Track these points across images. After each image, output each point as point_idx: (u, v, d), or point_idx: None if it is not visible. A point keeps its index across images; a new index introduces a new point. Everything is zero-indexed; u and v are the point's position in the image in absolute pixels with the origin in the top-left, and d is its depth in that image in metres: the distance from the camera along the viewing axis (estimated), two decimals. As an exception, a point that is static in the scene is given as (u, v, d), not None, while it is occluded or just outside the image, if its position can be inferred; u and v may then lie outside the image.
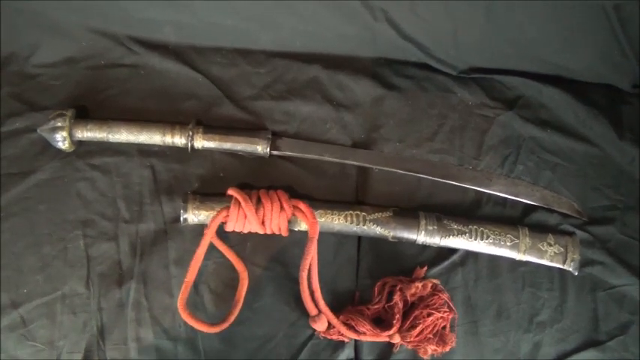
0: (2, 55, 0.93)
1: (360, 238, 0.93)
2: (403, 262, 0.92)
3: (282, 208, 0.87)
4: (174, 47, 0.98)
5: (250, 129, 0.94)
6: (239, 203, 0.85)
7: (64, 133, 0.87)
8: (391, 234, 0.92)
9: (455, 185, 0.95)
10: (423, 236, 0.93)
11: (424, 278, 0.91)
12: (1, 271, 0.84)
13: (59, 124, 0.86)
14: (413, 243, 0.91)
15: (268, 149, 0.92)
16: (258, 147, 0.92)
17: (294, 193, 0.91)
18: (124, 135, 0.89)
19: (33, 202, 0.87)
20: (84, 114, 0.91)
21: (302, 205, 0.87)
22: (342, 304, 0.89)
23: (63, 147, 0.87)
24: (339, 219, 0.90)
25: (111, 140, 0.89)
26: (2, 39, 0.92)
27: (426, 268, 0.93)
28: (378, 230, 0.92)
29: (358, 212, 0.90)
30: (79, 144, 0.90)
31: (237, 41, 0.99)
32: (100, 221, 0.88)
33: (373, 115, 0.99)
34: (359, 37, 0.98)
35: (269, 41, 0.99)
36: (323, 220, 0.89)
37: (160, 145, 0.91)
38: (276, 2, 0.94)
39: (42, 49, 0.94)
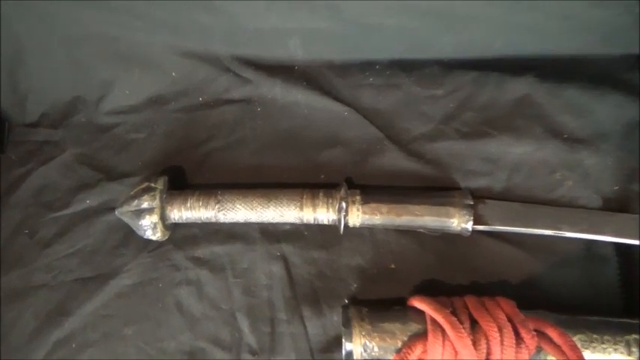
0: (65, 102, 0.76)
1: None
2: None
3: (518, 337, 0.54)
4: (303, 68, 0.75)
5: (434, 189, 0.67)
6: (441, 330, 0.55)
7: (154, 217, 0.64)
8: None
9: None
10: None
11: None
12: None
13: (146, 203, 0.64)
14: None
15: (470, 223, 0.63)
16: (452, 221, 0.63)
17: (515, 293, 0.60)
18: (240, 212, 0.65)
19: (115, 322, 0.66)
20: (179, 179, 0.72)
21: (554, 333, 0.54)
22: None
23: (153, 237, 0.66)
24: (614, 350, 0.55)
25: (222, 221, 0.66)
26: (65, 80, 0.75)
27: None
28: (690, 369, 0.54)
29: (649, 337, 0.56)
30: (175, 226, 0.69)
31: (398, 50, 0.72)
32: (214, 352, 0.63)
33: (632, 154, 0.66)
34: (607, 23, 0.64)
35: (448, 45, 0.71)
36: (588, 352, 0.55)
37: (294, 224, 0.67)
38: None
39: (116, 87, 0.76)
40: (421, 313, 0.58)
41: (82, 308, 0.66)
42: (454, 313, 0.56)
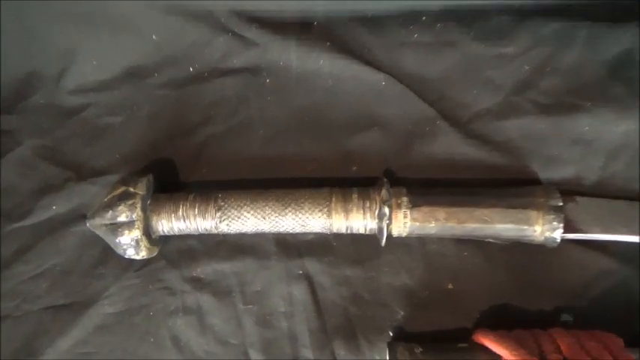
0: (18, 80, 0.65)
1: None
2: None
3: (634, 395, 0.43)
4: (325, 23, 0.64)
5: (505, 183, 0.56)
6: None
7: (135, 233, 0.53)
8: None
9: None
10: None
11: None
12: None
13: (123, 215, 0.53)
14: None
15: (559, 232, 0.51)
16: (534, 229, 0.51)
17: (616, 322, 0.50)
18: (249, 221, 0.54)
19: (97, 360, 0.55)
20: (169, 176, 0.63)
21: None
22: None
23: (136, 256, 0.56)
24: None
25: (225, 232, 0.56)
26: (15, 51, 0.64)
27: None
28: None
29: None
30: (167, 237, 0.60)
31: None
32: (228, 399, 0.54)
33: None
34: None
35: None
36: None
37: (319, 232, 0.57)
38: None
39: (81, 57, 0.65)
40: (494, 354, 0.47)
41: (55, 345, 0.57)
42: (543, 358, 0.45)
